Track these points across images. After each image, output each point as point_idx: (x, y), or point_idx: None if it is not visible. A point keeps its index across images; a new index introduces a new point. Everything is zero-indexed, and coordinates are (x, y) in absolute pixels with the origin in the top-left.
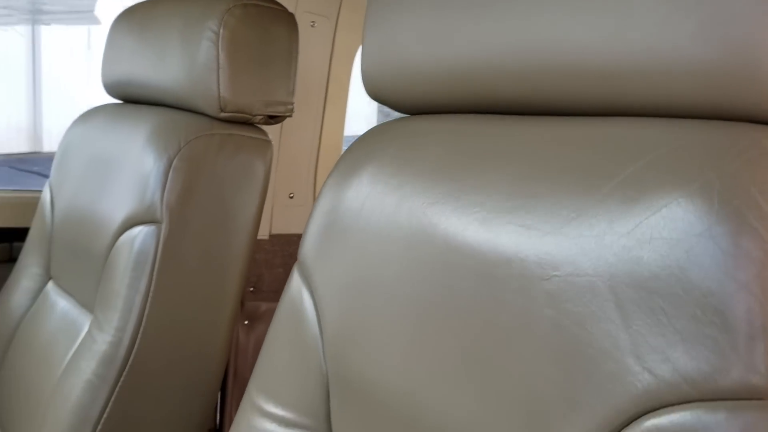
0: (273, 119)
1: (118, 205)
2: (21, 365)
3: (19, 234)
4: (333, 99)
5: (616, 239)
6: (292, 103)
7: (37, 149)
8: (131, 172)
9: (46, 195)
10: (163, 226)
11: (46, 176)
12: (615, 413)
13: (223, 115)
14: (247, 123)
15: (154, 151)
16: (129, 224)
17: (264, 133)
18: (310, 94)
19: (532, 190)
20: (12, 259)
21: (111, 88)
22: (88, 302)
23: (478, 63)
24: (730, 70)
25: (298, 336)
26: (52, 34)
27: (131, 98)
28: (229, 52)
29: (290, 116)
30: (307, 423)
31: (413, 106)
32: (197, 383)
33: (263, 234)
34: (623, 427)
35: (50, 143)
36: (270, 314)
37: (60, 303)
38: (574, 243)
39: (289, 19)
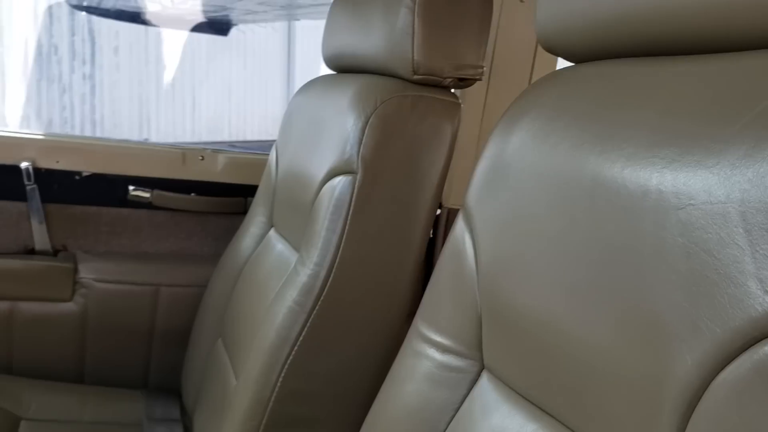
0: (463, 82)
1: (324, 160)
2: (244, 296)
3: (251, 190)
4: (538, 75)
5: (751, 165)
6: (482, 67)
7: None
8: (336, 131)
9: (272, 155)
10: (358, 176)
11: None
12: (734, 337)
13: (415, 77)
14: (438, 86)
15: (355, 111)
16: (331, 175)
17: (454, 96)
18: (515, 68)
19: (675, 126)
20: (245, 211)
21: (328, 61)
22: (297, 244)
23: (639, 7)
24: None
25: (458, 273)
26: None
27: (343, 68)
28: (423, 17)
29: (480, 79)
30: (461, 350)
31: (580, 54)
32: (382, 316)
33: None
34: (742, 351)
35: None
36: None
37: (278, 246)
38: (711, 173)
39: None
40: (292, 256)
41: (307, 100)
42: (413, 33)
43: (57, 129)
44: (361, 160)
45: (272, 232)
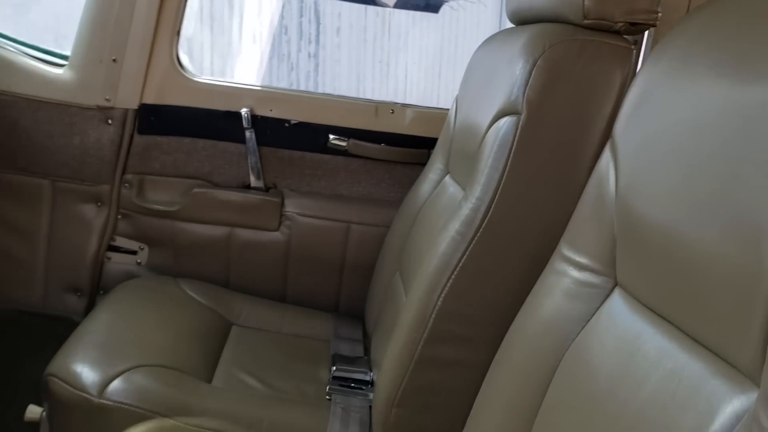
0: (635, 27)
1: (492, 104)
2: (418, 235)
3: (435, 142)
4: None
5: None
6: (656, 12)
7: None
8: (505, 76)
9: (452, 108)
10: (522, 116)
11: None
12: None
13: (585, 22)
14: (608, 30)
15: (524, 56)
16: (498, 116)
17: (626, 40)
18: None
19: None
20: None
21: (510, 16)
22: (465, 184)
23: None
24: None
25: (600, 198)
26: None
27: (521, 21)
28: None
29: (654, 25)
30: (597, 268)
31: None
32: (537, 250)
33: None
34: None
35: None
36: None
37: (450, 188)
38: None
39: None
40: (459, 196)
41: (486, 53)
42: None
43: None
44: (526, 101)
45: (448, 178)
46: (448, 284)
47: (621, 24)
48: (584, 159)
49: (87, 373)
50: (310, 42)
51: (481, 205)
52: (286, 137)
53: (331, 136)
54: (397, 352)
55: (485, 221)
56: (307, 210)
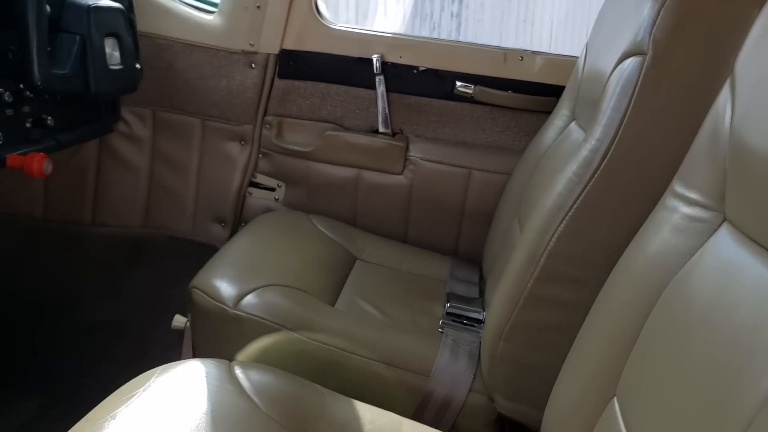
0: None
1: (619, 46)
2: (540, 177)
3: (563, 91)
4: None
5: None
6: None
7: None
8: (633, 18)
9: (581, 54)
10: (647, 56)
11: None
12: None
13: None
14: None
15: None
16: (622, 57)
17: None
18: None
19: None
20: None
21: None
22: (587, 125)
23: None
24: None
25: (714, 133)
26: None
27: None
28: None
29: None
30: (707, 202)
31: None
32: (657, 194)
33: None
34: None
35: None
36: None
37: (574, 134)
38: None
39: None
40: (580, 138)
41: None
42: None
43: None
44: (652, 41)
45: (573, 125)
46: (561, 225)
47: None
48: (708, 101)
49: (225, 288)
50: (453, 1)
51: (600, 146)
52: (414, 84)
53: (458, 83)
54: (507, 289)
55: (604, 162)
56: (431, 155)
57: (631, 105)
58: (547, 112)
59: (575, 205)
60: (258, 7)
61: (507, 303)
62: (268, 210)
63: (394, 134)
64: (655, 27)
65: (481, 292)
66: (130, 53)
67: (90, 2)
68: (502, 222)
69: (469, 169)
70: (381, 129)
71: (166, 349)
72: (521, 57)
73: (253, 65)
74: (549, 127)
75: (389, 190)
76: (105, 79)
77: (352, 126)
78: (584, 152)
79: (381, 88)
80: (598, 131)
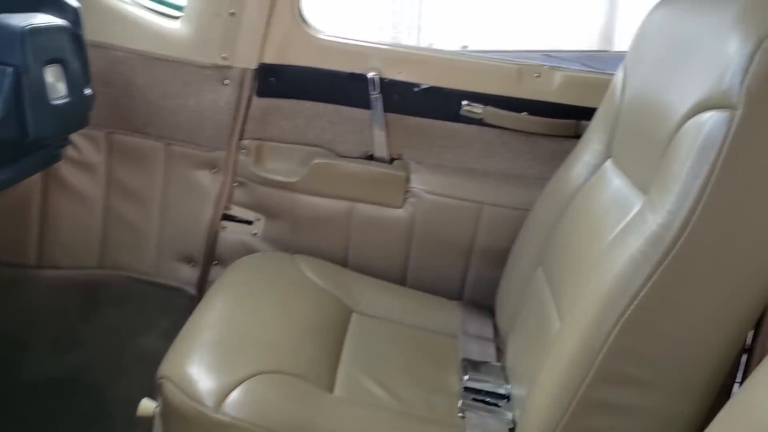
0: None
1: (689, 89)
2: (572, 230)
3: (585, 113)
4: None
5: None
6: None
7: (606, 48)
8: (710, 54)
9: (618, 76)
10: (739, 112)
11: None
12: None
13: None
14: None
15: (742, 32)
16: (699, 109)
17: None
18: None
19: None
20: (576, 135)
21: None
22: (643, 183)
23: None
24: None
25: None
26: None
27: None
28: None
29: None
30: None
31: None
32: (744, 284)
33: None
34: None
35: (620, 43)
36: None
37: (615, 181)
38: None
39: None
40: (633, 196)
41: (670, 15)
42: None
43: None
44: (745, 92)
45: (609, 164)
46: (626, 315)
47: None
48: None
49: (203, 380)
50: None
51: (674, 220)
52: (415, 103)
53: (465, 103)
54: (553, 389)
55: (680, 242)
56: (435, 187)
57: (715, 171)
58: (567, 136)
59: (643, 292)
60: (232, 13)
61: (554, 407)
62: (245, 247)
63: (392, 161)
64: (748, 75)
65: (498, 351)
66: (78, 80)
67: (24, 23)
68: (522, 268)
69: (480, 203)
70: (377, 154)
71: (129, 409)
72: (538, 73)
73: (227, 81)
74: (577, 162)
75: (387, 225)
76: (47, 119)
77: (343, 151)
78: (652, 225)
79: (378, 108)
80: (669, 201)
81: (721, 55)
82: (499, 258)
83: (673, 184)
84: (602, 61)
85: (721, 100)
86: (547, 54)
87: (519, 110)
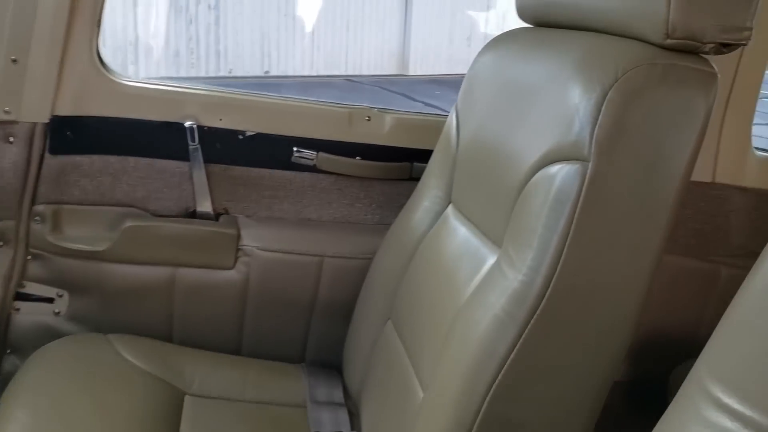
0: (726, 48)
1: (535, 139)
2: (421, 280)
3: (420, 155)
4: None
5: None
6: (750, 29)
7: (404, 72)
8: (554, 104)
9: (451, 120)
10: (591, 164)
11: (410, 98)
12: None
13: (668, 42)
14: (692, 52)
15: (585, 81)
16: (548, 160)
17: (709, 64)
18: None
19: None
20: (412, 177)
21: (526, 11)
22: (493, 234)
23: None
24: None
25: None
26: None
27: (550, 22)
28: None
29: (745, 44)
30: None
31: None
32: (609, 333)
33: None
34: None
35: (415, 67)
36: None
37: (461, 230)
38: None
39: None
40: (483, 248)
41: (502, 58)
42: None
43: (183, 59)
44: (595, 144)
45: (451, 210)
46: (496, 382)
47: (711, 45)
48: (662, 213)
49: None
50: None
51: (535, 277)
52: (241, 152)
53: (296, 149)
54: None
55: (545, 298)
56: (269, 242)
57: (572, 227)
58: (402, 179)
59: (513, 355)
60: (14, 60)
61: None
62: (45, 330)
63: (218, 216)
64: (597, 127)
65: (351, 414)
66: None
67: None
68: (368, 322)
69: (319, 256)
70: (200, 211)
71: None
72: (368, 117)
73: (12, 139)
74: (416, 208)
75: (217, 290)
76: None
77: (160, 209)
78: (513, 283)
79: (197, 160)
80: (529, 257)
81: (565, 104)
82: (344, 313)
83: (531, 239)
84: (401, 84)
85: (572, 152)
86: (349, 78)
87: (352, 155)
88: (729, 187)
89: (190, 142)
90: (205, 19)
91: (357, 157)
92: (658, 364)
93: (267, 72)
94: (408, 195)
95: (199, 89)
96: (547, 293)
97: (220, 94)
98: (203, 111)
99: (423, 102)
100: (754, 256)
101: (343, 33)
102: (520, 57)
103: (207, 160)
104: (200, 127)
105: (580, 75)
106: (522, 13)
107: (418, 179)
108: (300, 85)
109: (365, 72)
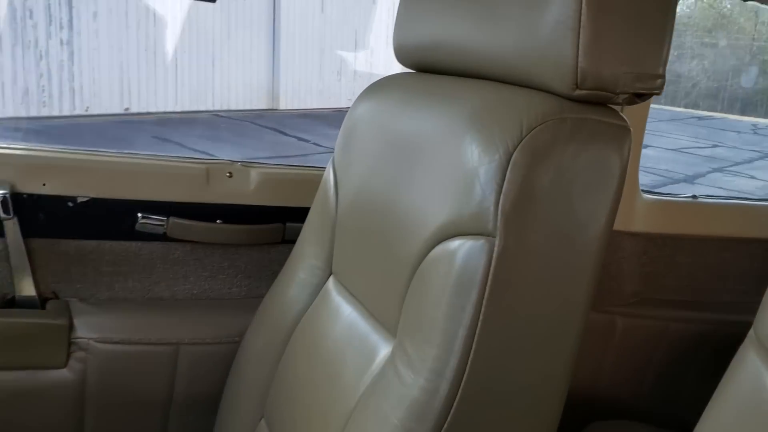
0: (639, 98)
1: (429, 206)
2: (302, 374)
3: (293, 214)
4: None
5: None
6: (663, 77)
7: (274, 106)
8: (448, 165)
9: (329, 176)
10: (498, 241)
11: (282, 132)
12: None
13: (578, 93)
14: (603, 103)
15: (485, 140)
16: (446, 234)
17: (620, 116)
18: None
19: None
20: (285, 240)
21: (406, 55)
22: (384, 317)
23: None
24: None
25: None
26: None
27: (437, 68)
28: (597, 5)
29: (658, 93)
30: None
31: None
32: (524, 419)
33: None
34: None
35: (286, 101)
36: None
37: (345, 309)
38: None
39: None
40: (373, 334)
41: (383, 107)
42: (579, 26)
43: (34, 97)
44: (501, 217)
45: (333, 283)
46: None
47: (625, 96)
48: (586, 277)
49: None
50: (62, 27)
51: (440, 383)
52: (71, 222)
53: (141, 215)
54: None
55: (453, 411)
56: (110, 331)
57: (481, 317)
58: (274, 243)
59: None
60: None
61: None
62: None
63: (44, 303)
64: (502, 197)
65: None
66: None
67: None
68: (237, 420)
69: (175, 344)
70: (21, 296)
71: None
72: (229, 173)
73: None
74: (291, 280)
75: (46, 395)
76: None
77: None
78: (413, 391)
79: (15, 235)
80: (430, 357)
81: (463, 167)
82: (207, 407)
83: (431, 334)
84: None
85: (474, 225)
86: (216, 114)
87: (212, 218)
88: (620, 234)
89: (2, 215)
90: (57, 55)
91: (218, 220)
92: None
93: (127, 109)
94: (281, 261)
95: (16, 148)
96: (455, 404)
97: (42, 153)
98: (21, 175)
99: (296, 137)
100: (647, 303)
101: (208, 68)
102: (405, 106)
103: (28, 235)
104: (17, 195)
105: (478, 132)
106: (400, 56)
107: (292, 242)
108: (163, 122)
109: (233, 107)
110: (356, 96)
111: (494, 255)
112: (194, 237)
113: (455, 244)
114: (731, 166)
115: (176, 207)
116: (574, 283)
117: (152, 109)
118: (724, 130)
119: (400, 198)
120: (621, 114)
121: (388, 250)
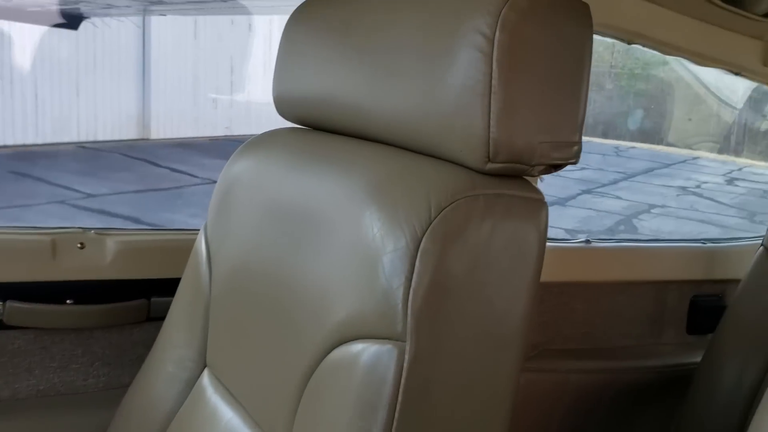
0: (554, 168)
1: (325, 298)
2: None
3: (159, 287)
4: None
5: None
6: (579, 144)
7: (145, 136)
8: (347, 246)
9: (200, 247)
10: (408, 345)
11: (154, 163)
12: None
13: (490, 166)
14: (520, 176)
15: (388, 219)
16: (347, 336)
17: (536, 189)
18: None
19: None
20: (150, 318)
21: (288, 108)
22: (268, 425)
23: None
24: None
25: None
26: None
27: (326, 126)
28: (509, 67)
29: (574, 162)
30: None
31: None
32: None
33: None
34: None
35: (158, 130)
36: None
37: (224, 412)
38: None
39: (584, 14)
40: None
41: (264, 168)
42: (489, 93)
43: None
44: (412, 318)
45: (208, 379)
46: None
47: (541, 167)
48: (506, 376)
49: None
50: None
51: None
52: None
53: None
54: None
55: None
56: None
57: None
58: (138, 322)
59: None
60: None
61: None
62: None
63: None
64: (411, 291)
65: None
66: None
67: None
68: None
69: None
70: None
71: None
72: (81, 243)
73: None
74: (158, 375)
75: None
76: None
77: None
78: None
79: None
80: None
81: (362, 251)
82: None
83: None
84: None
85: (380, 327)
86: (81, 145)
87: (60, 299)
88: None
89: None
90: None
91: (68, 301)
92: None
93: None
94: (148, 343)
95: None
96: None
97: None
98: None
99: (169, 168)
100: (547, 354)
101: (73, 97)
102: (291, 168)
103: None
104: None
105: (380, 210)
106: (281, 109)
107: (160, 319)
108: (22, 156)
109: (101, 137)
110: (233, 123)
111: (405, 363)
112: (38, 323)
113: (357, 348)
114: (599, 187)
115: (15, 288)
116: (497, 378)
117: (9, 142)
118: (590, 153)
119: (288, 281)
120: (535, 186)
121: (275, 346)
